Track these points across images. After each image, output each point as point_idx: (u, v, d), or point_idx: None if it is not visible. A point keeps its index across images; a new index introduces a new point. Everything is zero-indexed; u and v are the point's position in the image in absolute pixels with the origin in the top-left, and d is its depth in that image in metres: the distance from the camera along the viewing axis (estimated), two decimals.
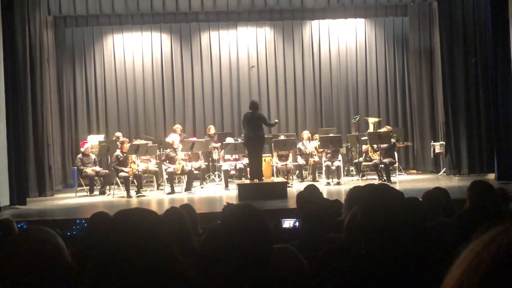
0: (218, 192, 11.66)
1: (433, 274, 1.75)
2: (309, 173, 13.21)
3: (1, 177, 10.23)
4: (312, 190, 5.19)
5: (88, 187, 12.16)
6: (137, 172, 11.53)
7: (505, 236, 0.83)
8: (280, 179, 11.50)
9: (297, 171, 13.12)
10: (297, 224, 4.97)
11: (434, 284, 0.89)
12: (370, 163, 12.31)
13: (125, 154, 11.75)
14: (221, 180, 12.65)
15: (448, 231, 3.65)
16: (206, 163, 13.38)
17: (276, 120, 12.56)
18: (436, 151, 13.18)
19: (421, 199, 4.57)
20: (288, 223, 5.01)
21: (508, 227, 0.85)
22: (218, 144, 13.27)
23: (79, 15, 13.18)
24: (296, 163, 12.91)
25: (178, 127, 13.56)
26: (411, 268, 1.95)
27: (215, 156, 13.47)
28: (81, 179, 12.48)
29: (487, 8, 11.42)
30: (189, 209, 4.63)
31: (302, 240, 3.91)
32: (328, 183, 11.93)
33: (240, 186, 10.37)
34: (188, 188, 11.67)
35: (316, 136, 13.10)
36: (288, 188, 10.54)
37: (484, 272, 0.80)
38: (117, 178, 11.90)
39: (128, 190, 11.38)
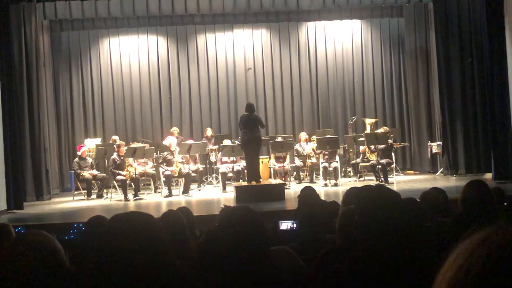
0: (216, 195, 11.66)
1: (430, 274, 1.75)
2: (306, 175, 13.22)
3: None
4: (308, 192, 5.20)
5: (85, 191, 12.14)
6: (134, 175, 11.52)
7: (495, 237, 0.82)
8: (278, 181, 11.50)
9: (295, 173, 13.13)
10: (294, 225, 4.97)
11: (431, 285, 0.88)
12: (367, 164, 12.32)
13: (122, 158, 11.74)
14: (218, 182, 12.65)
15: (446, 231, 3.65)
16: (204, 166, 13.38)
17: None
18: (433, 151, 13.20)
19: (418, 200, 4.58)
20: (285, 224, 5.01)
21: (497, 228, 0.84)
22: (216, 147, 13.27)
23: (75, 18, 13.19)
24: (294, 165, 12.91)
25: (175, 129, 13.55)
26: (409, 269, 1.96)
27: (212, 158, 13.46)
28: (78, 183, 12.45)
29: (483, 8, 11.43)
30: (187, 212, 4.62)
31: (299, 242, 3.91)
32: (326, 185, 11.93)
33: (237, 188, 10.37)
34: (186, 190, 11.66)
35: (314, 137, 13.11)
36: (285, 190, 10.54)
37: (476, 275, 0.79)
38: (114, 182, 11.89)
39: (125, 194, 11.37)
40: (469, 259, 0.82)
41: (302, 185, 12.18)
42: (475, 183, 3.98)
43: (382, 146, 11.82)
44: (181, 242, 3.59)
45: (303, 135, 13.31)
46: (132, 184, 11.61)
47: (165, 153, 12.14)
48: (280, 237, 4.74)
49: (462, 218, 3.77)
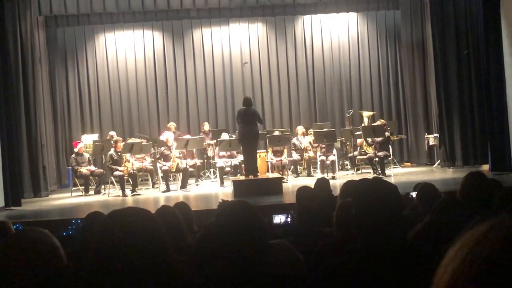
0: (214, 189, 11.66)
1: (430, 267, 1.75)
2: (304, 168, 13.22)
3: None
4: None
5: (83, 187, 12.13)
6: (131, 171, 11.51)
7: (499, 229, 0.82)
8: (275, 174, 11.50)
9: (292, 167, 13.13)
10: (289, 219, 4.98)
11: (430, 279, 0.88)
12: (364, 157, 12.34)
13: (119, 153, 11.73)
14: (216, 177, 12.65)
15: (444, 223, 3.66)
16: (201, 160, 13.38)
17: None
18: (430, 143, 13.22)
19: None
20: (279, 218, 5.02)
21: (501, 220, 0.83)
22: (213, 141, 13.25)
23: (70, 14, 13.14)
24: (291, 159, 12.91)
25: (172, 125, 13.54)
26: (407, 262, 1.96)
27: (210, 153, 13.46)
28: (76, 179, 12.46)
29: None
30: (184, 207, 4.63)
31: (297, 235, 3.93)
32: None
33: (235, 183, 10.38)
34: (184, 185, 11.67)
35: (310, 131, 13.11)
36: (283, 184, 10.55)
37: (480, 266, 0.79)
38: (112, 177, 11.88)
39: (123, 189, 11.37)
40: (473, 251, 0.81)
41: (300, 179, 12.31)
42: (474, 174, 3.99)
43: (379, 139, 11.84)
44: (177, 237, 3.59)
45: (300, 129, 13.31)
46: (130, 179, 11.61)
47: (162, 148, 12.13)
48: (273, 230, 4.75)
49: (461, 209, 3.78)
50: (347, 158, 13.64)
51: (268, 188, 9.99)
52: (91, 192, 12.14)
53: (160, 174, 11.84)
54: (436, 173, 11.93)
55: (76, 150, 12.56)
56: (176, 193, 11.31)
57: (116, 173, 11.57)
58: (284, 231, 4.56)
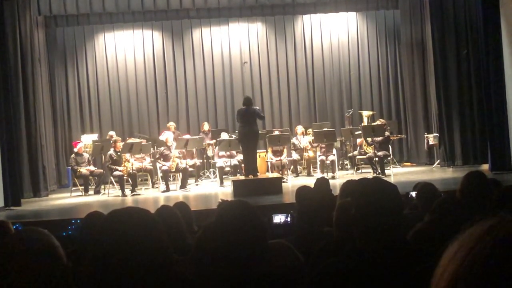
0: (213, 189, 11.66)
1: (428, 267, 1.75)
2: (303, 168, 13.22)
3: None
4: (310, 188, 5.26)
5: (82, 187, 12.13)
6: (131, 171, 11.51)
7: (499, 228, 0.81)
8: (275, 174, 11.50)
9: (292, 166, 13.12)
10: (288, 219, 4.98)
11: (429, 278, 0.87)
12: (364, 156, 12.34)
13: (118, 153, 11.73)
14: (216, 177, 12.65)
15: (443, 223, 3.66)
16: (201, 160, 13.38)
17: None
18: (430, 143, 13.22)
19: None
20: (278, 218, 5.02)
21: (501, 219, 0.82)
22: (213, 141, 13.25)
23: (69, 14, 13.14)
24: (291, 158, 12.91)
25: (171, 124, 13.54)
26: (407, 262, 1.96)
27: (209, 153, 13.46)
28: (75, 179, 12.45)
29: None
30: (184, 207, 4.63)
31: (297, 235, 3.92)
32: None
33: (235, 183, 10.37)
34: (183, 185, 11.66)
35: (310, 130, 13.11)
36: (283, 184, 10.55)
37: (482, 266, 0.78)
38: (111, 177, 11.88)
39: (123, 189, 11.37)
40: (473, 251, 0.80)
41: (299, 179, 12.31)
42: (474, 174, 3.99)
43: (379, 138, 11.83)
44: (176, 237, 3.59)
45: (299, 129, 13.33)
46: (129, 179, 11.61)
47: (162, 148, 12.13)
48: (273, 230, 4.74)
49: (460, 209, 3.78)
50: (347, 157, 13.64)
51: (268, 188, 9.98)
52: (91, 192, 12.14)
53: (160, 174, 11.83)
54: (436, 173, 11.92)
55: (75, 150, 12.56)
56: (176, 193, 11.30)
57: (116, 173, 11.57)
58: (284, 231, 4.56)
